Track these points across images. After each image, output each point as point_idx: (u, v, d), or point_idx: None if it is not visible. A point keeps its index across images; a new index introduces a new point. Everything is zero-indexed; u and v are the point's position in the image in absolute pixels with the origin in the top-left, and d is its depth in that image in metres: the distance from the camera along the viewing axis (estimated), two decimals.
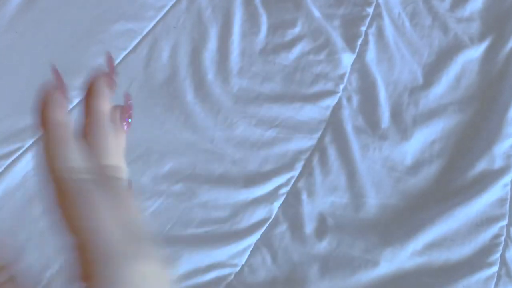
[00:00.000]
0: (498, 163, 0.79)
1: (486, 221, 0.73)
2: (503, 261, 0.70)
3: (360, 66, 0.89)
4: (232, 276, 0.66)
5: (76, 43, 0.81)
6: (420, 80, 0.89)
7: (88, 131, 0.27)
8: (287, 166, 0.76)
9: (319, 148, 0.78)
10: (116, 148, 0.28)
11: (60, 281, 0.61)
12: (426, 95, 0.87)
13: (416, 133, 0.82)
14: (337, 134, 0.80)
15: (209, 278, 0.65)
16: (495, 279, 0.68)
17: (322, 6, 0.96)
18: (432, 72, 0.91)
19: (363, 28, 0.94)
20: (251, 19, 0.91)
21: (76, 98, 0.75)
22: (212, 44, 0.87)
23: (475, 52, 0.94)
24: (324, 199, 0.73)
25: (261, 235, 0.69)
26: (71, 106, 0.75)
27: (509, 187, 0.77)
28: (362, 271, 0.67)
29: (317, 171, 0.76)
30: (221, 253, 0.67)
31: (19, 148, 0.69)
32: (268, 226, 0.70)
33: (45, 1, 0.86)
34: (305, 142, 0.78)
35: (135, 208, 0.25)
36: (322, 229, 0.70)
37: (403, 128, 0.82)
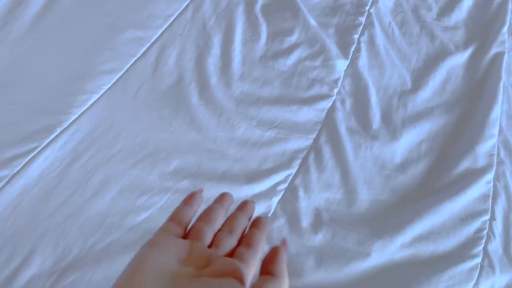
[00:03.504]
0: (481, 162, 0.77)
1: (470, 215, 0.71)
2: (485, 253, 0.67)
3: (353, 72, 0.87)
4: None
5: (88, 50, 0.78)
6: (409, 84, 0.88)
7: None
8: (285, 164, 0.73)
9: (315, 148, 0.76)
10: None
11: (74, 270, 0.58)
12: (414, 98, 0.86)
13: (405, 133, 0.80)
14: (331, 134, 0.78)
15: None
16: (478, 269, 0.66)
17: (318, 16, 0.95)
18: (420, 77, 0.89)
19: (356, 36, 0.92)
20: (252, 27, 0.89)
21: (87, 101, 0.73)
22: (215, 51, 0.84)
23: (460, 58, 0.93)
24: (319, 195, 0.71)
25: None
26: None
27: (491, 184, 0.75)
28: (355, 262, 0.64)
29: (313, 169, 0.73)
30: None
31: (35, 148, 0.66)
32: None
33: (61, 10, 0.83)
34: (301, 142, 0.76)
35: None
36: (317, 223, 0.68)
37: (392, 129, 0.81)
